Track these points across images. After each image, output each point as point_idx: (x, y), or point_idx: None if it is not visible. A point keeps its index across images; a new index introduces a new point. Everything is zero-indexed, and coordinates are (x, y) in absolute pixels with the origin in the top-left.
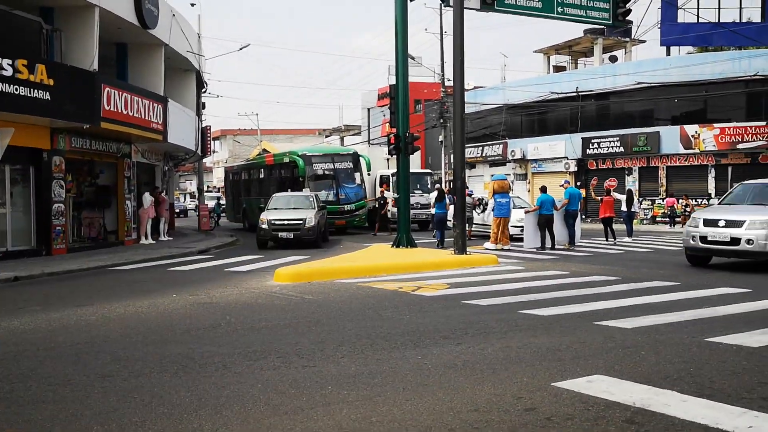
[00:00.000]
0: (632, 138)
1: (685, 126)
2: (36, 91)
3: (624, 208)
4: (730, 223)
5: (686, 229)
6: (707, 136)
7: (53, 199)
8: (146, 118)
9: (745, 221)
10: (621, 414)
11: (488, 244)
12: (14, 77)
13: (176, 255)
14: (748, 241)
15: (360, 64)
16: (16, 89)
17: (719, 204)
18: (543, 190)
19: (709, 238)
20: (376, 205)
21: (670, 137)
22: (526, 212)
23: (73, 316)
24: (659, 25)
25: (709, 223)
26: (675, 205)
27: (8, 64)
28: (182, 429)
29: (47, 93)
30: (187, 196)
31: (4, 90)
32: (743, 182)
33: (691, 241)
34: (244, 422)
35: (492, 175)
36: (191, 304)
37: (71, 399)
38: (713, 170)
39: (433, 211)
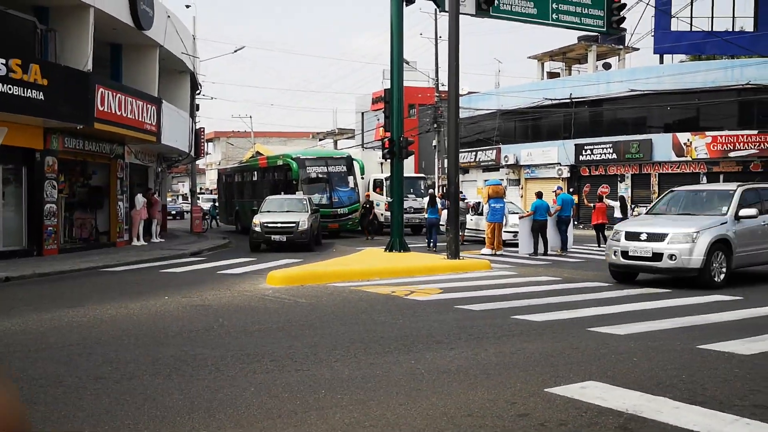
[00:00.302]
0: (625, 145)
1: (677, 134)
2: (30, 90)
3: (618, 214)
4: (652, 237)
5: (609, 243)
6: (699, 144)
7: (45, 199)
8: (140, 119)
9: (667, 234)
10: (614, 420)
11: (485, 250)
12: (8, 77)
13: (168, 257)
14: (671, 257)
15: (355, 67)
16: (10, 89)
17: (646, 213)
18: (539, 195)
19: (630, 253)
20: (362, 210)
21: (662, 145)
22: (520, 218)
23: (64, 318)
24: (653, 33)
25: (631, 236)
26: None
27: (2, 64)
28: (175, 431)
29: (41, 93)
30: (183, 198)
31: None
32: (673, 189)
33: (613, 256)
34: (238, 425)
35: (486, 181)
36: (184, 307)
37: (63, 400)
38: (705, 178)
39: (425, 215)
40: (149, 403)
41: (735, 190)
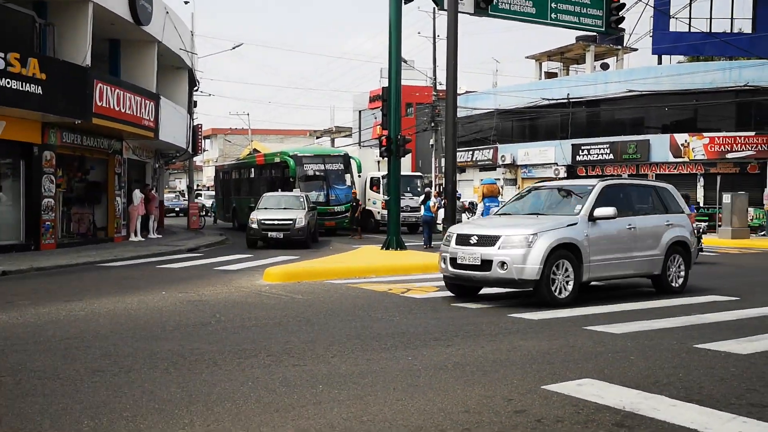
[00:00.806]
0: (622, 145)
1: (675, 134)
2: (28, 85)
3: None
4: (482, 240)
5: (441, 248)
6: (697, 145)
7: (43, 194)
8: (138, 114)
9: (499, 237)
10: (611, 417)
11: None
12: (6, 71)
13: (166, 253)
14: (501, 265)
15: (352, 66)
16: (8, 83)
17: (497, 213)
18: None
19: (458, 261)
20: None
21: (659, 145)
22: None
23: (62, 311)
24: (651, 34)
25: (462, 240)
26: None
27: (1, 58)
28: (173, 425)
29: (39, 87)
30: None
31: None
32: (534, 185)
33: (442, 264)
34: (236, 419)
35: (482, 180)
36: (181, 302)
37: (61, 393)
38: (702, 179)
39: (421, 213)
40: (147, 396)
41: (594, 186)
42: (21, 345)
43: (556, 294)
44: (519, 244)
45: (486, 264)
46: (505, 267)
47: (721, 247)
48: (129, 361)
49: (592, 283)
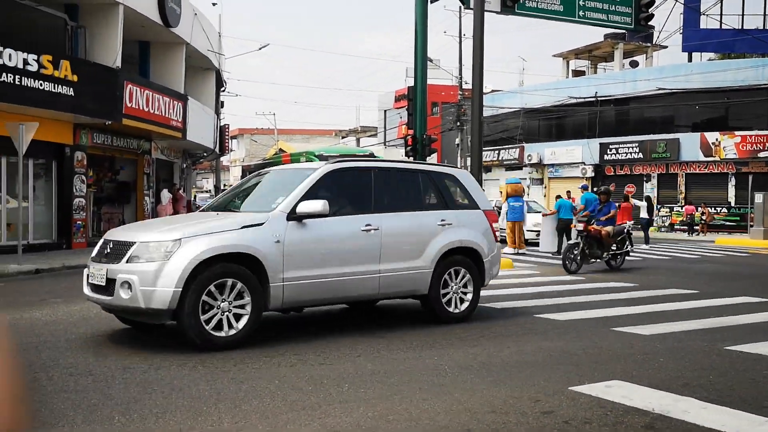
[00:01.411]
0: (651, 144)
1: (705, 133)
2: (60, 86)
3: (645, 215)
4: (115, 251)
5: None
6: (728, 144)
7: (74, 193)
8: (166, 115)
9: (132, 244)
10: (640, 420)
11: (507, 249)
12: (39, 72)
13: None
14: (125, 286)
15: (378, 65)
16: (41, 84)
17: (203, 209)
18: (567, 195)
19: (90, 279)
20: None
21: (690, 144)
22: (543, 215)
23: (93, 309)
24: (681, 31)
25: (101, 249)
26: (694, 213)
27: (33, 60)
28: (202, 421)
29: (71, 89)
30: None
31: (29, 85)
32: (262, 170)
33: (85, 284)
34: (263, 417)
35: (506, 179)
36: None
37: (93, 389)
38: (733, 178)
39: None
40: (176, 393)
41: (315, 170)
42: (53, 342)
43: (213, 332)
44: (154, 256)
45: (110, 284)
46: (130, 290)
47: (752, 247)
48: (158, 359)
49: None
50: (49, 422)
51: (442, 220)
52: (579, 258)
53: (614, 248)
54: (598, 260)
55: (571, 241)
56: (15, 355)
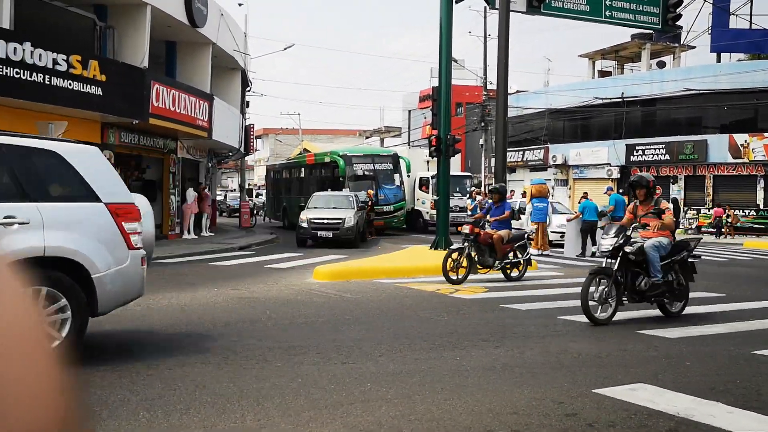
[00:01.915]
0: (678, 146)
1: (734, 135)
2: (89, 86)
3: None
4: None
5: None
6: (757, 146)
7: None
8: (192, 115)
9: None
10: (665, 423)
11: (531, 250)
12: (68, 72)
13: (218, 250)
14: None
15: (402, 66)
16: (70, 84)
17: None
18: (584, 196)
19: None
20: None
21: (718, 146)
22: (567, 220)
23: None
24: (710, 31)
25: None
26: (722, 216)
27: (63, 60)
28: (225, 418)
29: (99, 88)
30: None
31: (58, 84)
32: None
33: None
34: (285, 414)
35: (531, 180)
36: (232, 298)
37: (119, 385)
38: (762, 181)
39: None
40: (200, 389)
41: None
42: None
43: None
44: None
45: None
46: None
47: None
48: (182, 356)
49: None
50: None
51: (6, 217)
52: (467, 266)
53: (511, 256)
54: (491, 269)
55: (453, 246)
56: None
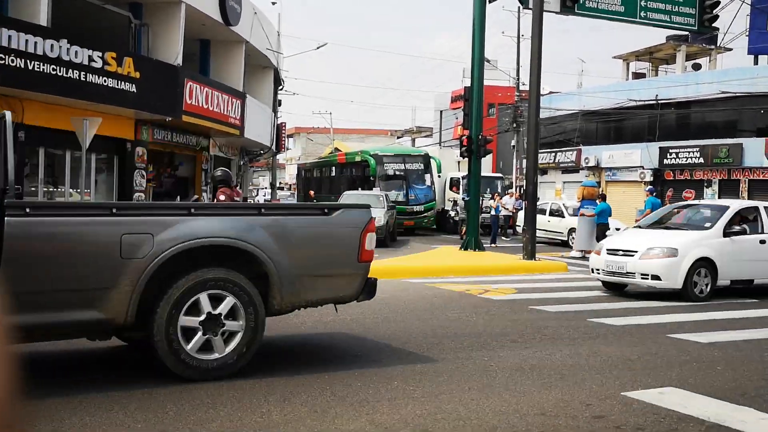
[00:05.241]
0: (713, 149)
1: None
2: (123, 83)
3: None
4: None
5: None
6: None
7: (135, 188)
8: (225, 113)
9: None
10: (695, 428)
11: (573, 252)
12: (103, 69)
13: None
14: None
15: (435, 65)
16: (105, 81)
17: None
18: (602, 198)
19: None
20: None
21: (754, 149)
22: (581, 215)
23: None
24: (747, 33)
25: None
26: None
27: (98, 57)
28: (251, 412)
29: (133, 85)
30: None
31: (93, 81)
32: None
33: None
34: (311, 410)
35: (583, 181)
36: None
37: (146, 377)
38: None
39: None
40: (227, 384)
41: None
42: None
43: None
44: None
45: None
46: None
47: None
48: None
49: None
50: (103, 407)
51: None
52: None
53: None
54: None
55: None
56: (10, 345)
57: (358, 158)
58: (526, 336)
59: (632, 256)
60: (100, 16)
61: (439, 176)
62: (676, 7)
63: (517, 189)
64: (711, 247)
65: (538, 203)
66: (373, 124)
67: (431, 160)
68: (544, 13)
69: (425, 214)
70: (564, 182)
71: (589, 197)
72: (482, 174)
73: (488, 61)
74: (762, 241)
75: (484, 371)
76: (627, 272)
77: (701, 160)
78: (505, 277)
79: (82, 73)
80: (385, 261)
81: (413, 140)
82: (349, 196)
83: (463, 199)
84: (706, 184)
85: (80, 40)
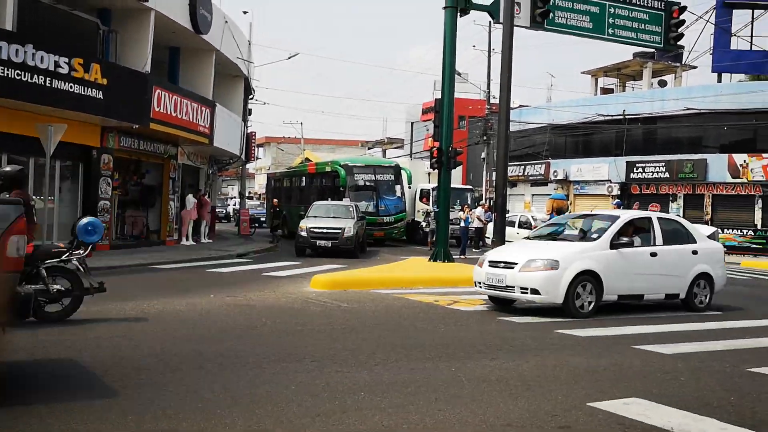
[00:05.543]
0: (678, 164)
1: (733, 155)
2: (90, 89)
3: None
4: None
5: None
6: (756, 166)
7: (100, 196)
8: (194, 121)
9: None
10: None
11: None
12: (70, 75)
13: (216, 257)
14: None
15: (406, 77)
16: (71, 87)
17: None
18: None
19: None
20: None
21: (717, 165)
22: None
23: (112, 311)
24: (711, 52)
25: None
26: None
27: (65, 62)
28: (215, 423)
29: (100, 92)
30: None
31: (59, 87)
32: None
33: None
34: (278, 422)
35: (551, 194)
36: (228, 305)
37: (108, 388)
38: (760, 201)
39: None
40: (191, 395)
41: None
42: (71, 341)
43: None
44: None
45: None
46: None
47: None
48: (175, 361)
49: None
50: (63, 420)
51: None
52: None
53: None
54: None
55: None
56: None
57: (328, 168)
58: (494, 347)
59: (512, 268)
60: (67, 21)
61: (409, 187)
62: (643, 25)
63: (487, 201)
64: (596, 259)
65: (507, 215)
66: (344, 134)
67: (402, 171)
68: (515, 27)
69: (395, 225)
70: (533, 195)
71: (558, 209)
72: (452, 186)
73: (459, 74)
74: (653, 254)
75: (452, 382)
76: (506, 286)
77: (667, 174)
78: (474, 289)
79: (48, 78)
80: (354, 271)
81: (384, 151)
82: (318, 207)
83: (433, 210)
84: (671, 199)
85: (47, 45)
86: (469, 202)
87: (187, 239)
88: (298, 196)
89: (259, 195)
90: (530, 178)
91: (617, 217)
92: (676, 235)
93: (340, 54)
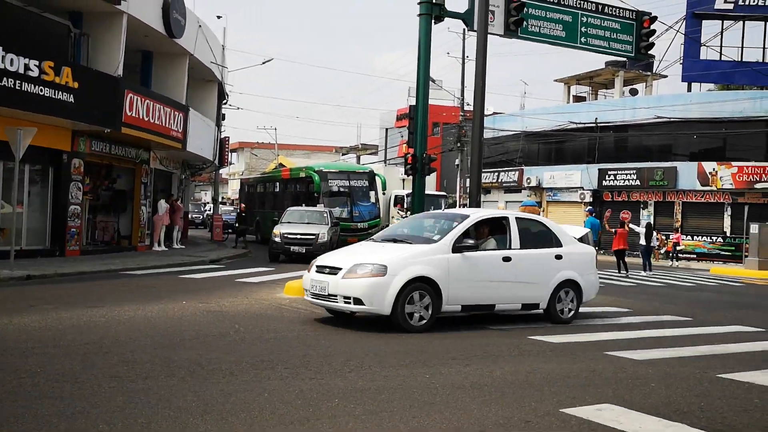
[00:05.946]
0: (649, 172)
1: (702, 163)
2: (60, 93)
3: (643, 241)
4: None
5: None
6: (725, 174)
7: (70, 200)
8: (167, 125)
9: None
10: None
11: None
12: (40, 78)
13: (188, 263)
14: None
15: (380, 84)
16: (41, 90)
17: None
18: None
19: None
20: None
21: (687, 173)
22: None
23: (83, 317)
24: (681, 61)
25: None
26: (680, 241)
27: (35, 65)
28: None
29: (71, 95)
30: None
31: (29, 90)
32: None
33: None
34: (250, 429)
35: (523, 201)
36: (201, 312)
37: (78, 396)
38: (729, 208)
39: None
40: (163, 403)
41: None
42: (41, 348)
43: None
44: None
45: None
46: None
47: (747, 277)
48: (146, 368)
49: None
50: (31, 428)
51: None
52: None
53: None
54: None
55: None
56: None
57: (302, 174)
58: (468, 353)
59: (336, 274)
60: (38, 24)
61: (383, 193)
62: (615, 34)
63: (461, 207)
64: (433, 264)
65: None
66: (318, 140)
67: (376, 177)
68: (489, 35)
69: (370, 231)
70: (506, 201)
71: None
72: (426, 192)
73: (434, 81)
74: (506, 259)
75: (426, 388)
76: (329, 294)
77: (638, 182)
78: None
79: (18, 81)
80: None
81: (358, 157)
82: (292, 212)
83: (407, 216)
84: (642, 206)
85: (16, 48)
86: (443, 208)
87: (159, 245)
88: (272, 202)
89: (233, 200)
90: (504, 184)
91: (466, 216)
92: (537, 237)
93: (315, 60)
